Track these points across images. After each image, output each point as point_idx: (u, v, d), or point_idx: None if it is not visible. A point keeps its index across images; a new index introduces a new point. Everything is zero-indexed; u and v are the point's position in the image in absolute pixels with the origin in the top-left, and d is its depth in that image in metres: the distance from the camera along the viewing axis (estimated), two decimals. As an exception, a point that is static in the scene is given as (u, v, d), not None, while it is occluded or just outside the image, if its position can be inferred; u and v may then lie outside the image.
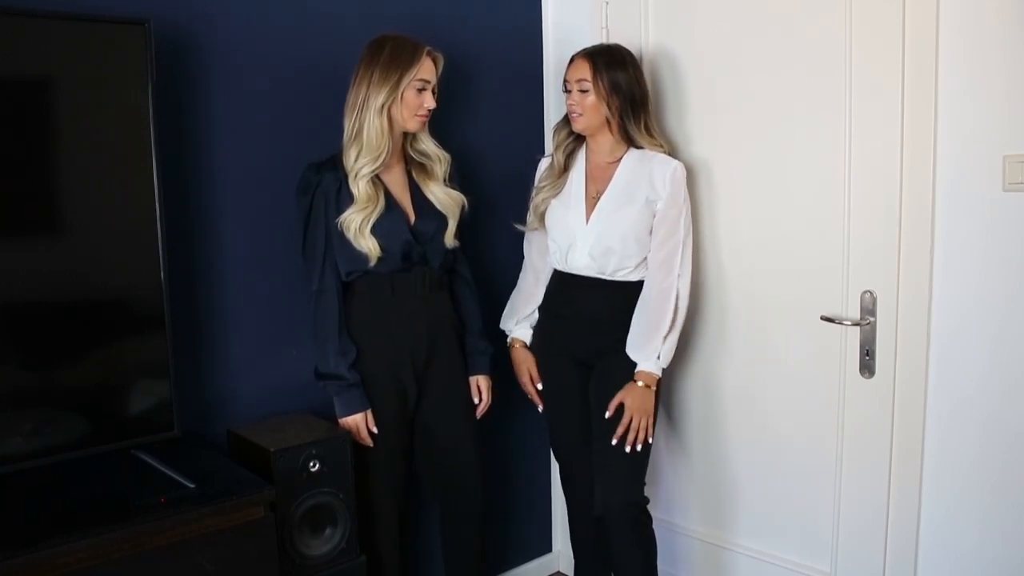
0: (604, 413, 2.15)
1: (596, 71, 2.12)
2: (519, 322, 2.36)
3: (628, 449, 2.12)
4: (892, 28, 1.93)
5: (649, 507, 2.21)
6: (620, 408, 2.13)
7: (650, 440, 2.16)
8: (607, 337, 2.19)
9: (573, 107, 2.16)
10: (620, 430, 2.11)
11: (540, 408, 2.36)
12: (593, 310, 2.20)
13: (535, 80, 2.69)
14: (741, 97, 2.26)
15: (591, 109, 2.14)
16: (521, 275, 2.40)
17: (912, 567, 2.05)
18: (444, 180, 2.16)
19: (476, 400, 2.27)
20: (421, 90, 2.02)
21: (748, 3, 2.22)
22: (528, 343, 2.35)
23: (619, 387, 2.15)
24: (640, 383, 2.13)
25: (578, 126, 2.18)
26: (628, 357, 2.17)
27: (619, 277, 2.18)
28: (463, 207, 2.17)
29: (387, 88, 1.98)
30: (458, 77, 2.38)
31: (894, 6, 1.92)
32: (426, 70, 2.02)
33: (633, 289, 2.19)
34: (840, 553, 2.20)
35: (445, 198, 2.13)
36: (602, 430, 2.18)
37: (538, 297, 2.34)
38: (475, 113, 2.52)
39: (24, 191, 1.63)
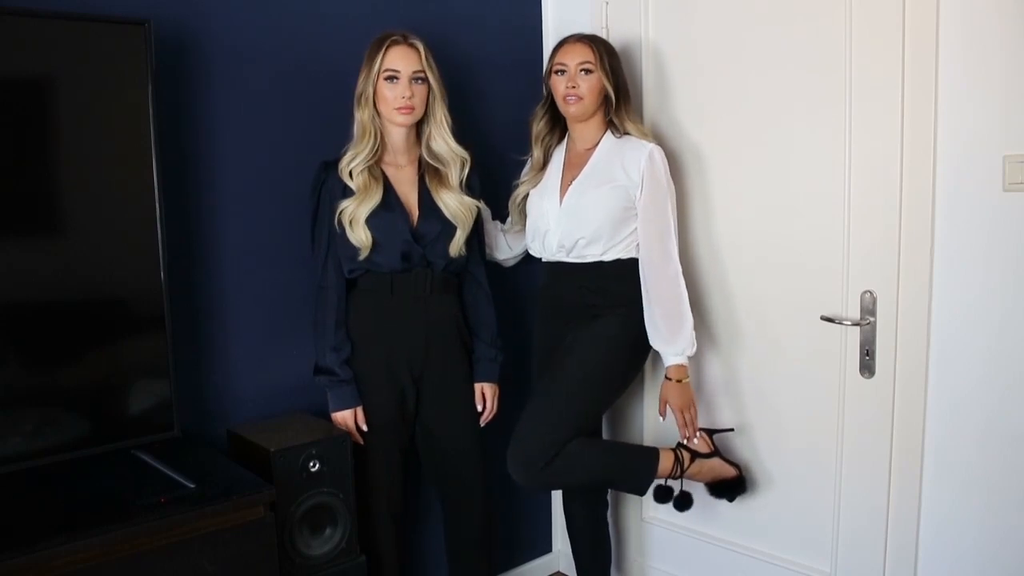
0: (557, 371, 2.16)
1: (598, 53, 2.14)
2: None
3: (694, 440, 2.19)
4: (892, 28, 1.93)
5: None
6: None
7: (581, 383, 2.16)
8: (580, 313, 2.20)
9: (573, 90, 2.13)
10: (682, 431, 2.19)
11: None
12: (569, 293, 2.21)
13: (535, 80, 2.68)
14: (741, 96, 2.25)
15: (592, 92, 2.14)
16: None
17: (912, 567, 2.05)
18: (460, 184, 2.12)
19: (480, 407, 2.24)
20: (392, 80, 1.99)
21: (748, 2, 2.21)
22: None
23: (586, 346, 2.16)
24: (673, 379, 2.16)
25: (574, 110, 2.15)
26: (600, 324, 2.17)
27: (590, 259, 2.18)
28: (477, 215, 2.15)
29: (361, 79, 2.01)
30: (458, 76, 2.38)
31: (894, 6, 1.92)
32: (392, 59, 1.99)
33: (608, 268, 2.18)
34: (840, 553, 2.20)
35: (456, 207, 2.09)
36: (543, 388, 2.18)
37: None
38: (475, 112, 2.52)
39: (24, 191, 1.63)
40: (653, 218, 2.15)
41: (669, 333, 2.14)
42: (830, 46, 2.05)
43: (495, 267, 2.36)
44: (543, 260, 2.29)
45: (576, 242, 2.16)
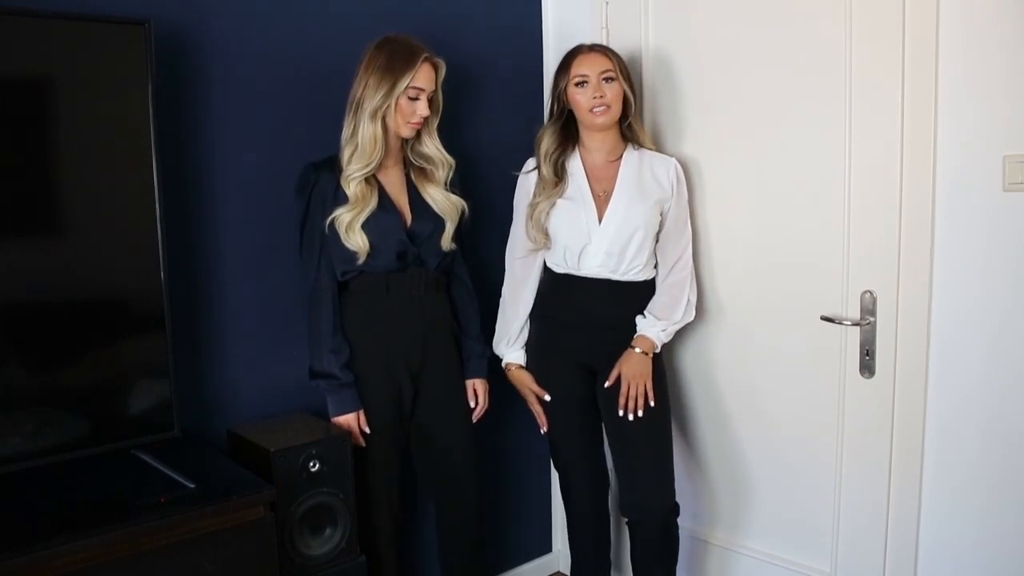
0: (620, 419, 2.15)
1: (615, 61, 2.14)
2: (511, 343, 2.30)
3: (631, 417, 2.13)
4: (892, 28, 1.93)
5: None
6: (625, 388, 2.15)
7: (667, 426, 2.22)
8: (614, 339, 2.19)
9: (600, 100, 2.11)
10: (621, 400, 2.14)
11: (544, 429, 2.30)
12: (602, 314, 2.19)
13: (535, 80, 2.69)
14: (741, 97, 2.25)
15: (617, 99, 2.13)
16: (506, 289, 2.33)
17: (912, 567, 2.05)
18: (445, 184, 2.14)
19: (472, 404, 2.25)
20: (414, 98, 2.00)
21: (748, 3, 2.22)
22: (523, 364, 2.30)
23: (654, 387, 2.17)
24: (637, 349, 2.15)
25: (603, 119, 2.13)
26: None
27: (629, 277, 2.18)
28: (463, 212, 2.16)
29: (381, 94, 1.97)
30: (458, 78, 2.37)
31: (894, 6, 1.92)
32: (421, 78, 1.99)
33: (640, 289, 2.20)
34: (840, 553, 2.20)
35: (444, 201, 2.12)
36: (623, 436, 2.18)
37: (524, 312, 2.30)
38: (475, 114, 2.52)
39: (24, 191, 1.63)
40: (677, 231, 2.21)
41: (663, 312, 2.18)
42: (830, 46, 2.05)
43: (478, 266, 2.36)
44: (569, 275, 2.21)
45: (623, 257, 2.15)
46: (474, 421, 2.26)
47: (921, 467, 2.02)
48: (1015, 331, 1.85)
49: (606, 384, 2.18)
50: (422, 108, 2.01)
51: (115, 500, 1.65)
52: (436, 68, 2.04)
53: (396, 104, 1.99)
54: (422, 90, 2.00)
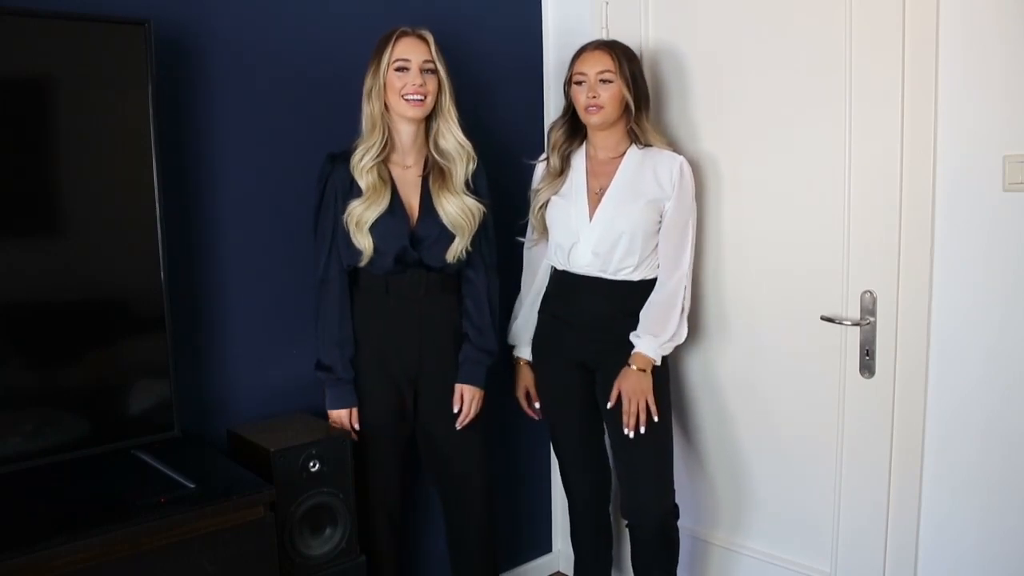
0: (621, 420, 2.14)
1: (618, 61, 2.11)
2: (521, 337, 2.33)
3: (631, 434, 2.09)
4: (892, 28, 1.93)
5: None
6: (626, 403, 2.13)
7: (667, 428, 2.21)
8: (609, 338, 2.18)
9: (594, 100, 2.10)
10: (625, 418, 2.10)
11: (537, 417, 2.37)
12: (595, 312, 2.18)
13: (535, 80, 2.69)
14: (741, 97, 2.25)
15: (613, 101, 2.11)
16: (523, 277, 2.36)
17: (912, 567, 2.05)
18: (467, 182, 2.09)
19: (456, 409, 2.13)
20: (402, 70, 1.99)
21: (748, 2, 2.22)
22: (531, 360, 2.33)
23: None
24: (634, 367, 2.11)
25: (596, 119, 2.12)
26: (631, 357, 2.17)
27: (621, 276, 2.16)
28: (481, 219, 2.10)
29: (371, 75, 2.01)
30: (458, 76, 2.37)
31: (894, 6, 1.92)
32: (401, 49, 2.00)
33: (635, 289, 2.17)
34: (840, 553, 2.20)
35: (456, 214, 2.05)
36: (622, 439, 2.17)
37: (532, 303, 2.32)
38: (474, 113, 2.51)
39: (24, 191, 1.63)
40: (677, 234, 2.16)
41: (656, 327, 2.12)
42: (830, 46, 2.05)
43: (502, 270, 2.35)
44: (566, 272, 2.21)
45: (612, 257, 2.13)
46: (457, 427, 2.14)
47: (921, 467, 2.02)
48: (1015, 331, 1.85)
49: (608, 405, 2.14)
50: (413, 78, 1.99)
51: (115, 500, 1.65)
52: (422, 40, 2.03)
53: (386, 82, 2.00)
54: (407, 60, 2.00)
